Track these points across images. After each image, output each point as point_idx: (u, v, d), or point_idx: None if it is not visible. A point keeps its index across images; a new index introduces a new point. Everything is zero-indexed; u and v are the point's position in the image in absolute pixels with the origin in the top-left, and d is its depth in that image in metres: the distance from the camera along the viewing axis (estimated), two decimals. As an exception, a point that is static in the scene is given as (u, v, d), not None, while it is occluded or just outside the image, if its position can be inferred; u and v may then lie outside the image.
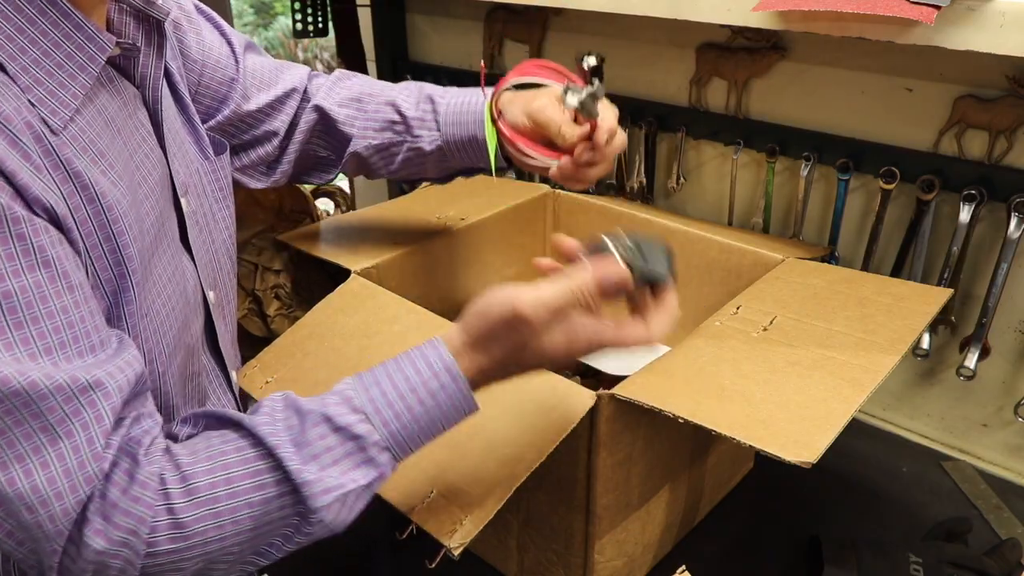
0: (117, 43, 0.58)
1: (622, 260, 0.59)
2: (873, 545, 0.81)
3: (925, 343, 1.00)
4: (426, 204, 1.07)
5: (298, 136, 0.91)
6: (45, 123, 0.52)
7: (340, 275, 0.90)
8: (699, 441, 0.83)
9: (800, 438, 0.59)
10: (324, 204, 1.35)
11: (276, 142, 0.90)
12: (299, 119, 0.91)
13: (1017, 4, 0.74)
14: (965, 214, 0.92)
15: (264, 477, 0.54)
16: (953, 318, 0.99)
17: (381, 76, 1.49)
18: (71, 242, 0.53)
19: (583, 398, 0.66)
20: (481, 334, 0.57)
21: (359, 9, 1.48)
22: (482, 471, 0.65)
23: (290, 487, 0.54)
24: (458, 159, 0.89)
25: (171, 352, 0.63)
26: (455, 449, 0.66)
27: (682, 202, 1.21)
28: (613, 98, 1.21)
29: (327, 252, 0.95)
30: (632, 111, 1.19)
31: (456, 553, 0.60)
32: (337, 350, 0.80)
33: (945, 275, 0.95)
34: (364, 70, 1.51)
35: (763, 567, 0.86)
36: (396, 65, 1.48)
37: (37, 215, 0.49)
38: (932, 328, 1.00)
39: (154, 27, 0.65)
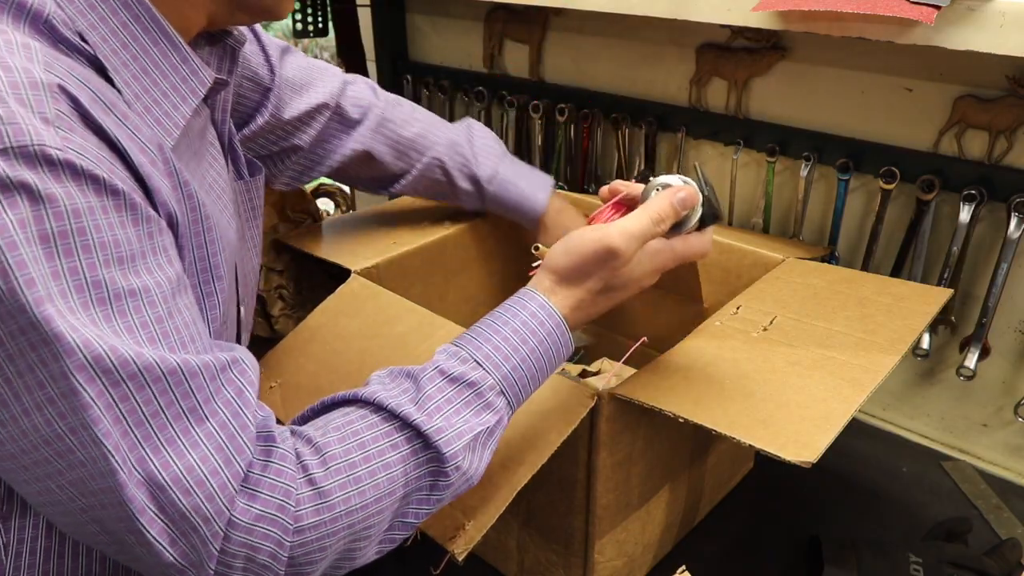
0: (215, 79, 0.60)
1: (701, 192, 0.64)
2: (873, 545, 0.81)
3: (925, 343, 1.00)
4: (426, 204, 1.07)
5: (336, 160, 0.93)
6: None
7: (342, 275, 0.90)
8: (699, 441, 0.83)
9: (800, 438, 0.59)
10: (324, 204, 1.35)
11: (302, 156, 0.92)
12: (335, 144, 0.93)
13: (1017, 4, 0.74)
14: (965, 214, 0.92)
15: (395, 437, 0.54)
16: (953, 318, 0.99)
17: (381, 76, 1.50)
18: (180, 248, 0.54)
19: (583, 398, 0.66)
20: (572, 270, 0.61)
21: (359, 9, 1.48)
22: (484, 475, 0.65)
23: (421, 440, 0.54)
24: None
25: None
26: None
27: (682, 202, 1.21)
28: (613, 98, 1.21)
29: (328, 252, 0.95)
30: (632, 111, 1.19)
31: (460, 558, 0.60)
32: (339, 353, 0.80)
33: (945, 275, 0.95)
34: (364, 70, 1.51)
35: (763, 567, 0.86)
36: (396, 65, 1.48)
37: (161, 217, 0.51)
38: (932, 328, 1.00)
39: (228, 52, 0.67)
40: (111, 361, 0.45)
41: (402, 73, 1.48)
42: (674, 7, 0.94)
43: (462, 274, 1.04)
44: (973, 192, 0.91)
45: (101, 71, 0.52)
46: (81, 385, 0.44)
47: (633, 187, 0.67)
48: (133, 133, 0.51)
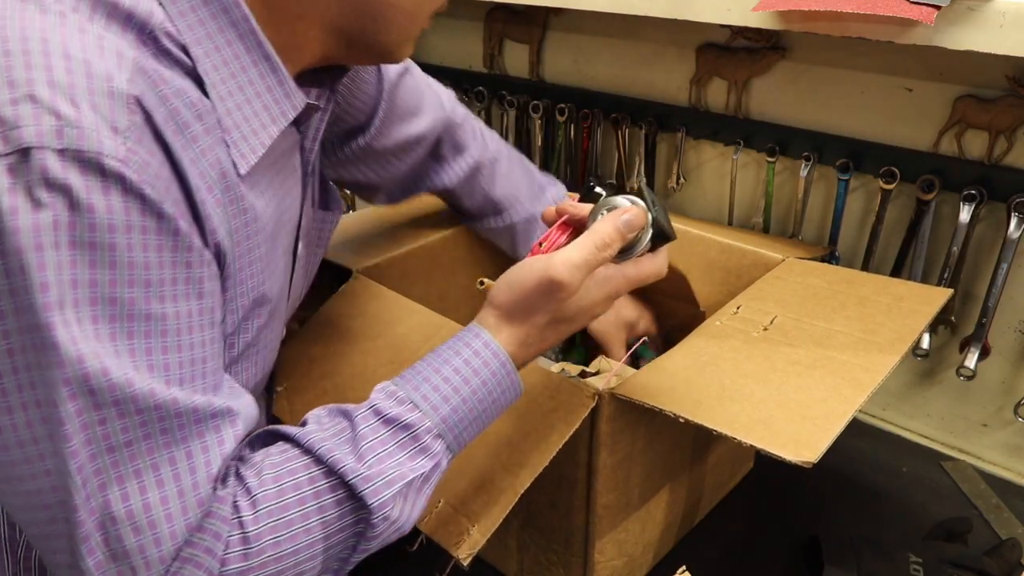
0: (307, 104, 0.59)
1: (649, 212, 0.61)
2: (873, 545, 0.81)
3: (925, 343, 1.00)
4: (426, 203, 1.07)
5: (419, 191, 0.95)
6: (233, 164, 0.54)
7: (343, 275, 0.90)
8: (699, 441, 0.83)
9: (801, 438, 0.59)
10: (324, 204, 1.35)
11: (392, 186, 0.92)
12: (422, 177, 0.93)
13: (1017, 4, 0.74)
14: (965, 214, 0.92)
15: (322, 484, 0.53)
16: (953, 318, 0.99)
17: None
18: (225, 278, 0.54)
19: (583, 398, 0.66)
20: (516, 305, 0.58)
21: (359, 9, 1.47)
22: (486, 478, 0.65)
23: (348, 492, 0.53)
24: None
25: (255, 386, 0.64)
26: (460, 457, 0.66)
27: (682, 202, 1.21)
28: (613, 98, 1.21)
29: (329, 252, 0.95)
30: (632, 111, 1.19)
31: (466, 563, 0.60)
32: (342, 355, 0.80)
33: (945, 275, 0.95)
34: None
35: (763, 567, 0.86)
36: (396, 65, 1.48)
37: (207, 247, 0.51)
38: (932, 328, 1.00)
39: (330, 76, 0.66)
40: (99, 383, 0.45)
41: (402, 73, 1.47)
42: (674, 7, 0.94)
43: (462, 273, 1.04)
44: (973, 192, 0.91)
45: (199, 84, 0.52)
46: (63, 398, 0.44)
47: (581, 208, 0.63)
48: (198, 156, 0.51)
